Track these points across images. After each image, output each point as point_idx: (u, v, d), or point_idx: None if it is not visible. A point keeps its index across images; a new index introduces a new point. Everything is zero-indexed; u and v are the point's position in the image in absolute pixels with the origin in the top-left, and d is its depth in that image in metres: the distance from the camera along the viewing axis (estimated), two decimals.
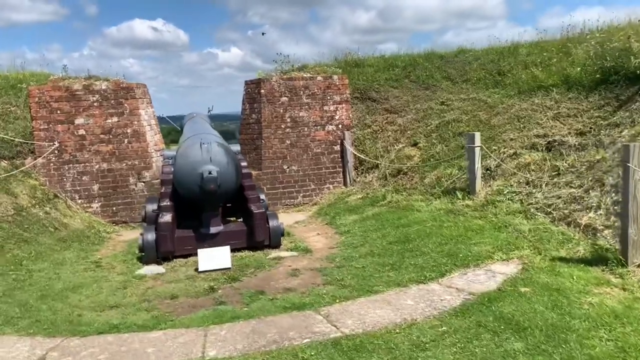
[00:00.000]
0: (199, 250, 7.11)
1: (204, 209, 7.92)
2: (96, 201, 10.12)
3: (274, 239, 8.02)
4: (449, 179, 9.90)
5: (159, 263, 7.53)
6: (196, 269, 6.98)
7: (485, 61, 11.97)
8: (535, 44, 11.71)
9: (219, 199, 7.89)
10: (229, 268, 6.98)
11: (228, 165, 7.67)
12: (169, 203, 7.81)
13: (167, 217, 7.51)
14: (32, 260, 7.64)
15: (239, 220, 8.85)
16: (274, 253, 7.76)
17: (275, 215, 8.23)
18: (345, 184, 11.46)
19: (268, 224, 7.87)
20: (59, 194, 9.84)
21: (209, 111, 12.55)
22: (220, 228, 7.87)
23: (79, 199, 10.04)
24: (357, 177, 11.38)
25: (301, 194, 11.24)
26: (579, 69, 9.43)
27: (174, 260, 7.65)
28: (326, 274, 6.48)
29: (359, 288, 5.75)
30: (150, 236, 7.53)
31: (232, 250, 7.83)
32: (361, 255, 7.34)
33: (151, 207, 9.28)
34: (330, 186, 11.45)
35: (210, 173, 7.28)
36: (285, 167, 11.10)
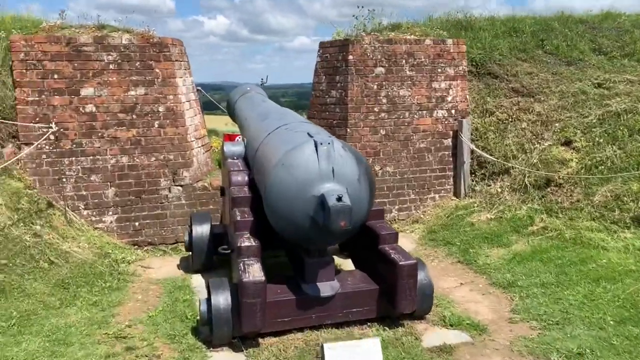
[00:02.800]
0: (325, 347, 3.89)
1: (308, 253, 4.71)
2: (110, 213, 6.82)
3: (424, 306, 4.87)
4: (636, 198, 6.70)
5: (236, 346, 4.37)
6: None
7: None
8: None
9: (340, 238, 4.69)
10: None
11: (360, 183, 4.42)
12: (253, 243, 4.56)
13: (255, 271, 4.29)
14: (9, 330, 4.46)
15: (340, 267, 5.63)
16: (427, 334, 4.59)
17: (423, 264, 5.02)
18: (457, 194, 8.20)
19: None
20: (55, 203, 6.52)
21: (262, 83, 9.13)
22: (337, 287, 4.66)
23: (85, 209, 6.73)
24: (475, 185, 8.13)
25: (396, 206, 7.99)
26: None
27: (262, 339, 4.48)
28: None
29: None
30: (224, 302, 4.35)
31: (352, 324, 4.71)
32: (591, 350, 4.23)
33: (200, 229, 6.05)
34: (436, 196, 8.19)
35: (340, 199, 4.01)
36: (377, 167, 7.82)
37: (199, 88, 8.80)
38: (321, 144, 4.30)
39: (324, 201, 4.08)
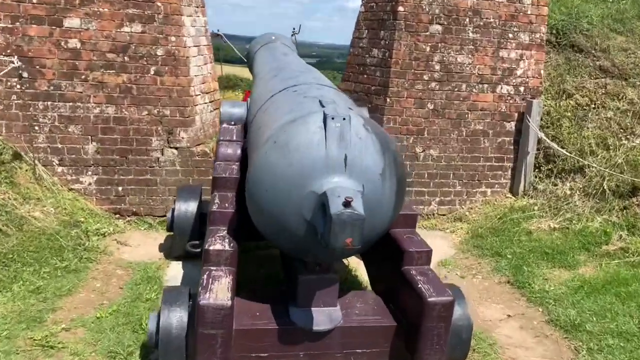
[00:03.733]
0: None
1: (304, 265, 3.40)
2: (89, 173, 5.67)
3: (456, 354, 3.54)
4: None
5: None
6: None
7: None
8: None
9: (345, 256, 3.36)
10: None
11: (384, 180, 3.05)
12: (226, 247, 3.28)
13: (220, 290, 3.04)
14: None
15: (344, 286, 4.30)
16: None
17: (461, 296, 3.63)
18: (513, 191, 6.69)
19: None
20: (23, 154, 5.42)
21: (293, 34, 7.69)
22: (337, 318, 3.32)
23: (60, 165, 5.60)
24: (538, 183, 6.58)
25: (437, 198, 6.55)
26: None
27: None
28: None
29: None
30: (177, 323, 3.16)
31: None
32: None
33: (185, 207, 4.86)
34: (488, 191, 6.70)
35: (348, 205, 2.66)
36: (419, 149, 6.37)
37: (220, 33, 7.48)
38: (333, 118, 2.93)
39: (325, 204, 2.75)
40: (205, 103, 6.19)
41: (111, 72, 5.55)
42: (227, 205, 3.53)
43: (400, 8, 6.11)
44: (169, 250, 5.14)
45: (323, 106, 3.10)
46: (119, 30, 5.51)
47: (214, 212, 3.46)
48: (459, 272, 5.31)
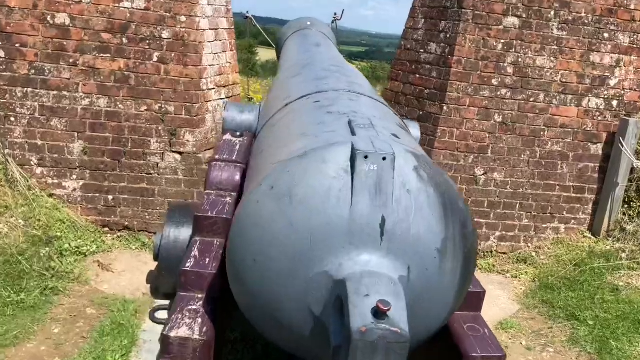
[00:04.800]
0: None
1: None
2: (74, 176, 4.69)
3: None
4: None
5: None
6: None
7: None
8: None
9: None
10: None
11: (445, 259, 1.88)
12: (196, 333, 2.18)
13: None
14: None
15: None
16: None
17: None
18: (594, 231, 5.36)
19: None
20: None
21: (334, 20, 6.50)
22: None
23: (39, 166, 4.63)
24: (627, 223, 5.24)
25: (498, 233, 5.29)
26: None
27: None
28: None
29: None
30: None
31: None
32: None
33: (176, 234, 3.83)
34: (562, 227, 5.39)
35: (381, 315, 1.53)
36: (479, 171, 5.13)
37: (249, 15, 6.38)
38: (366, 156, 1.79)
39: (343, 302, 1.65)
40: (221, 99, 5.12)
41: (105, 56, 4.52)
42: (208, 262, 2.44)
43: None
44: (156, 286, 4.11)
45: (353, 132, 1.96)
46: (117, 5, 4.47)
47: (187, 273, 2.37)
48: (524, 339, 4.08)
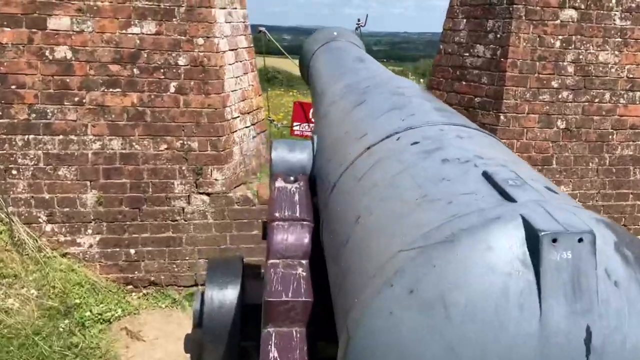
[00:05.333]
0: None
1: None
2: (90, 231, 4.08)
3: None
4: None
5: None
6: None
7: None
8: None
9: None
10: None
11: None
12: None
13: None
14: None
15: None
16: None
17: None
18: None
19: None
20: None
21: (357, 27, 5.92)
22: None
23: (49, 222, 4.03)
24: None
25: None
26: None
27: None
28: None
29: None
30: None
31: None
32: None
33: (220, 296, 3.19)
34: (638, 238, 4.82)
35: None
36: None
37: (262, 29, 5.81)
38: (554, 240, 1.17)
39: None
40: (246, 127, 4.53)
41: (115, 91, 3.94)
42: None
43: None
44: (199, 357, 3.51)
45: (505, 194, 1.36)
46: (124, 31, 3.89)
47: None
48: None
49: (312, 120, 5.93)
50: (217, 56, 4.08)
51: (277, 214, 2.48)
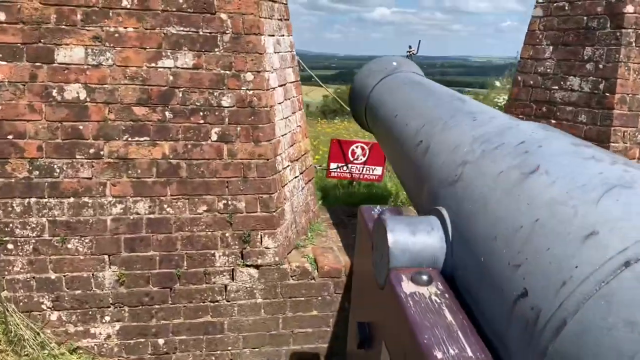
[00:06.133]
0: None
1: None
2: (107, 318, 3.20)
3: None
4: None
5: None
6: None
7: None
8: None
9: None
10: None
11: None
12: None
13: None
14: None
15: None
16: None
17: None
18: None
19: None
20: None
21: (409, 54, 5.17)
22: None
23: (56, 309, 3.14)
24: None
25: None
26: None
27: None
28: None
29: None
30: None
31: None
32: None
33: None
34: None
35: None
36: None
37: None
38: None
39: None
40: (295, 177, 3.70)
41: (142, 140, 3.09)
42: None
43: (629, 8, 3.54)
44: None
45: None
46: (153, 65, 3.06)
47: None
48: None
49: (352, 160, 5.18)
50: (267, 94, 3.26)
51: (424, 338, 1.58)
